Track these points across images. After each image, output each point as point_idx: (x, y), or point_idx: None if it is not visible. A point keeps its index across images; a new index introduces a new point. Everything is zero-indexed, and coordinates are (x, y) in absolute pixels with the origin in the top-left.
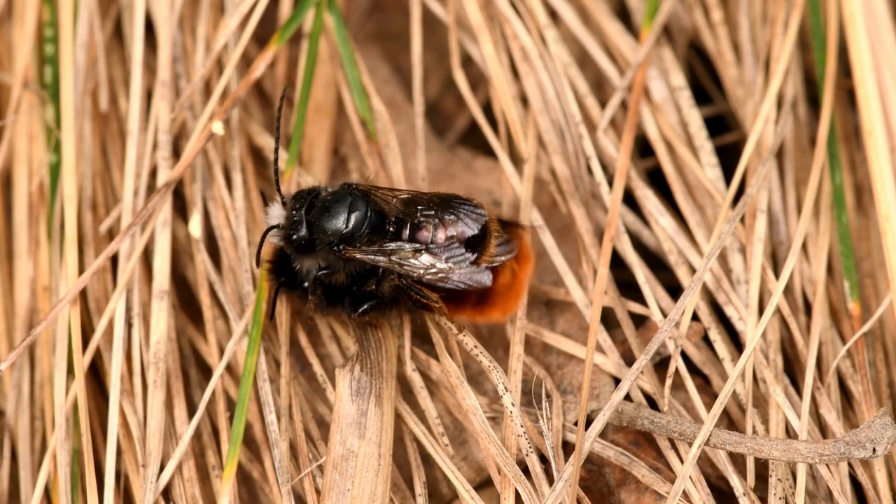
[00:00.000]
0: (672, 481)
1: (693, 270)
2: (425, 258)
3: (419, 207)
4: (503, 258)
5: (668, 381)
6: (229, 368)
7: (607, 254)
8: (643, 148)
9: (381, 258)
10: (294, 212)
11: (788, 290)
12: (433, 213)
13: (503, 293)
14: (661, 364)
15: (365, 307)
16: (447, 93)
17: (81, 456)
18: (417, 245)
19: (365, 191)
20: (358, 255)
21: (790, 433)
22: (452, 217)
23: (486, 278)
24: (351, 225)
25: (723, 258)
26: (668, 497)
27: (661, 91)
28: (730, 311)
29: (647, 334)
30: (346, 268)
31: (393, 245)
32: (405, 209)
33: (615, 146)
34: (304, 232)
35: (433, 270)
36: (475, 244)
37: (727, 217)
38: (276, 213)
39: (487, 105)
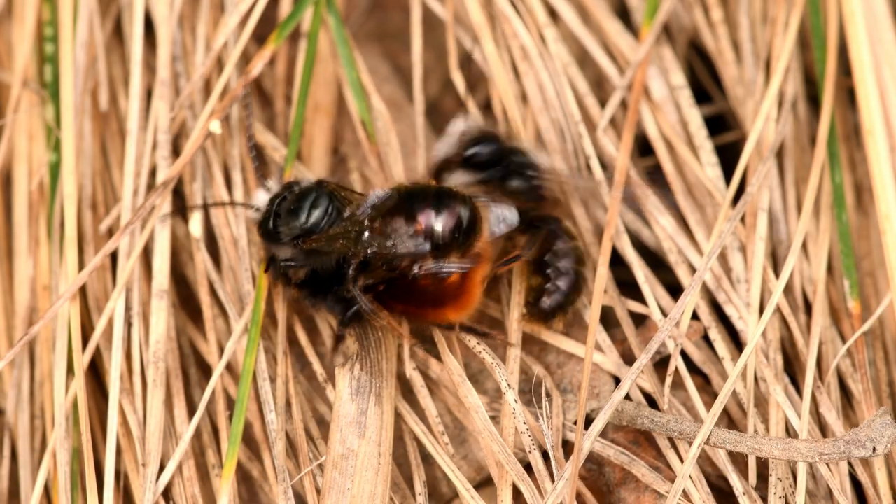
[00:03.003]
0: (672, 480)
1: (693, 270)
2: (370, 237)
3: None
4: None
5: (668, 381)
6: (229, 367)
7: (607, 253)
8: (643, 147)
9: (333, 243)
10: (268, 202)
11: (788, 290)
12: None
13: (452, 292)
14: (660, 363)
15: (345, 318)
16: (447, 92)
17: (81, 455)
18: (362, 227)
19: (333, 188)
20: (314, 245)
21: (790, 432)
22: (393, 227)
23: (425, 248)
24: (311, 220)
25: (723, 257)
26: (668, 496)
27: (661, 90)
28: (730, 311)
29: (647, 333)
30: (308, 262)
31: (339, 229)
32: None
33: (615, 145)
34: (268, 223)
35: (375, 246)
36: (414, 214)
37: (727, 216)
38: (262, 198)
39: (488, 104)
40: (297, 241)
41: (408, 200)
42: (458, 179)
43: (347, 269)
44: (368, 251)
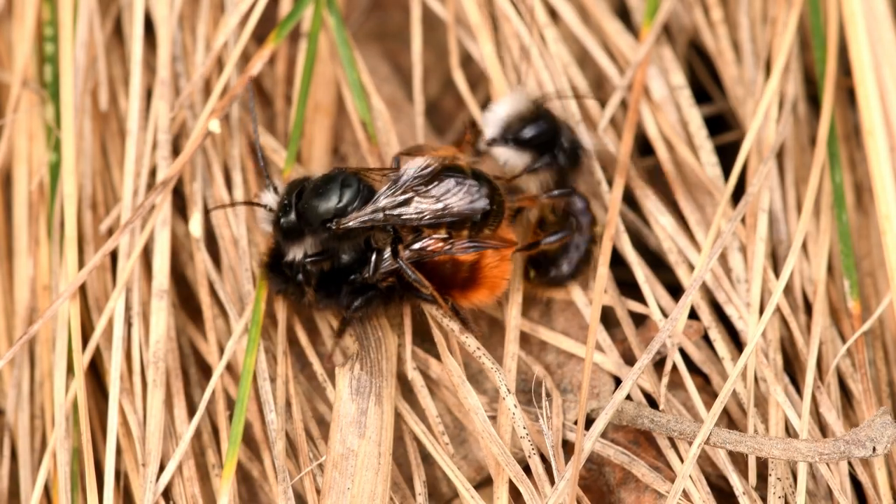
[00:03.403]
0: (672, 480)
1: (693, 269)
2: (418, 204)
3: (409, 181)
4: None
5: (665, 380)
6: (229, 367)
7: (607, 253)
8: (643, 147)
9: (377, 216)
10: (285, 196)
11: (788, 290)
12: (418, 186)
13: (488, 272)
14: (661, 363)
15: (357, 303)
16: (447, 91)
17: (81, 455)
18: (408, 195)
19: (355, 170)
20: (352, 223)
21: (790, 432)
22: (439, 191)
23: (482, 203)
24: (345, 199)
25: (723, 257)
26: (668, 496)
27: (661, 90)
28: (730, 311)
29: (647, 333)
30: (338, 249)
31: (384, 200)
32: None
33: (615, 145)
34: (290, 215)
35: (429, 214)
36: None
37: (727, 215)
38: (269, 198)
39: (487, 104)
40: (329, 224)
41: (449, 170)
42: (506, 155)
43: (371, 253)
44: (424, 219)
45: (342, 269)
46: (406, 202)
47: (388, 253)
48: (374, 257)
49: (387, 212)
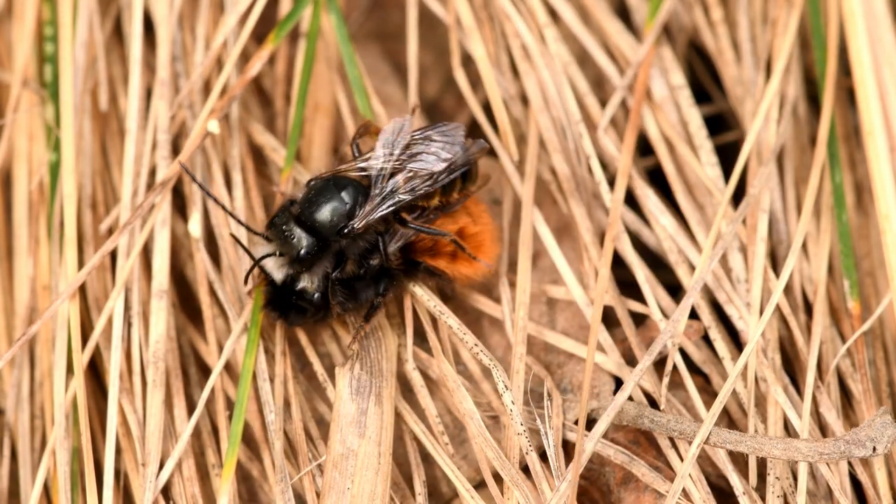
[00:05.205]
0: (672, 480)
1: (693, 269)
2: (423, 170)
3: (393, 157)
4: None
5: (665, 380)
6: (228, 367)
7: (608, 254)
8: (643, 147)
9: (392, 199)
10: (285, 231)
11: (788, 290)
12: (406, 157)
13: (488, 237)
14: (661, 363)
15: (383, 285)
16: (447, 91)
17: (81, 454)
18: (406, 174)
19: (333, 172)
20: (374, 216)
21: (790, 432)
22: (430, 149)
23: (481, 143)
24: (349, 200)
25: (723, 257)
26: (668, 496)
27: (661, 90)
28: (730, 311)
29: (647, 333)
30: (353, 252)
31: (388, 186)
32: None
33: (615, 145)
34: (306, 241)
35: (441, 174)
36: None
37: (727, 215)
38: (263, 248)
39: (487, 104)
40: (344, 229)
41: (424, 128)
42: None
43: (376, 238)
44: (439, 181)
45: (356, 266)
46: (412, 176)
47: (390, 232)
48: (380, 241)
49: (400, 193)
